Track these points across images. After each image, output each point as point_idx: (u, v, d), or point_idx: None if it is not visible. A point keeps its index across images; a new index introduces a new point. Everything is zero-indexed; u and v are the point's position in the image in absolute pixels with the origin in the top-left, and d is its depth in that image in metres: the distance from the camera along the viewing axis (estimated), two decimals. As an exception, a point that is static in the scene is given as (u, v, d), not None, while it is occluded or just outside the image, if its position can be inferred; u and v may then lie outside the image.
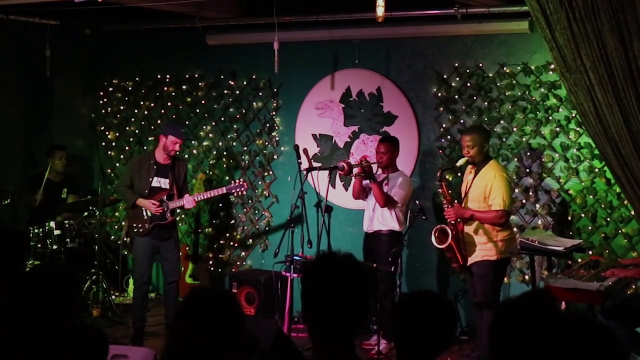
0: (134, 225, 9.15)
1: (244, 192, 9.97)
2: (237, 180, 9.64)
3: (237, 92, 10.73)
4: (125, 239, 10.40)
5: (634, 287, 8.22)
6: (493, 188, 7.92)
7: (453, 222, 7.96)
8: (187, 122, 11.05)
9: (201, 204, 10.40)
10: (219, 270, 10.87)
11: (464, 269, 8.16)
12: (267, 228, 10.65)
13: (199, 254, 10.61)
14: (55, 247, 9.77)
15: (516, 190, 9.02)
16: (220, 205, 10.88)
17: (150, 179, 9.10)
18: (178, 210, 9.41)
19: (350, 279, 3.25)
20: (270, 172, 10.60)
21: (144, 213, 9.07)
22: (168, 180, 9.14)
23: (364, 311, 3.31)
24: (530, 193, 8.99)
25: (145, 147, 11.34)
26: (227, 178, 10.76)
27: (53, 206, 10.18)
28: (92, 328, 3.48)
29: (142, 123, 11.48)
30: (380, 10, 6.67)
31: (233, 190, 9.43)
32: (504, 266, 8.29)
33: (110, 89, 11.73)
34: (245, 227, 10.79)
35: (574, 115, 8.54)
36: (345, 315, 3.23)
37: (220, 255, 10.88)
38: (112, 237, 11.63)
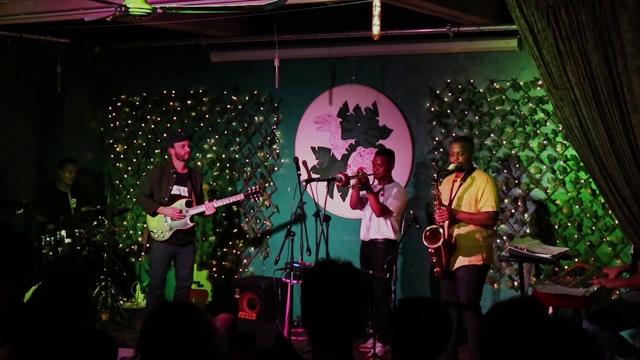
0: (154, 231, 9.18)
1: (260, 198, 9.92)
2: (252, 188, 9.67)
3: (240, 106, 10.75)
4: (146, 245, 10.35)
5: (617, 292, 8.23)
6: (485, 192, 7.94)
7: (442, 223, 7.95)
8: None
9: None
10: (222, 276, 10.87)
11: (446, 274, 8.14)
12: (268, 236, 10.66)
13: (203, 261, 10.61)
14: (67, 250, 9.76)
15: (505, 201, 9.04)
16: (224, 214, 10.89)
17: (170, 187, 9.17)
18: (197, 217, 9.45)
19: (349, 285, 3.26)
20: (271, 183, 10.61)
21: (164, 220, 9.11)
22: (187, 188, 9.22)
23: (362, 316, 3.32)
24: (519, 203, 9.01)
25: (152, 159, 11.36)
26: (230, 189, 10.79)
27: (65, 218, 10.18)
28: (102, 334, 3.48)
29: (149, 136, 11.49)
30: (376, 29, 6.68)
31: (251, 196, 9.46)
32: (486, 271, 8.34)
33: (119, 104, 11.75)
34: (248, 236, 10.79)
35: (560, 129, 8.55)
36: (344, 320, 3.23)
37: (224, 263, 10.88)
38: (121, 245, 11.63)
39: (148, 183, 9.42)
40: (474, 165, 8.40)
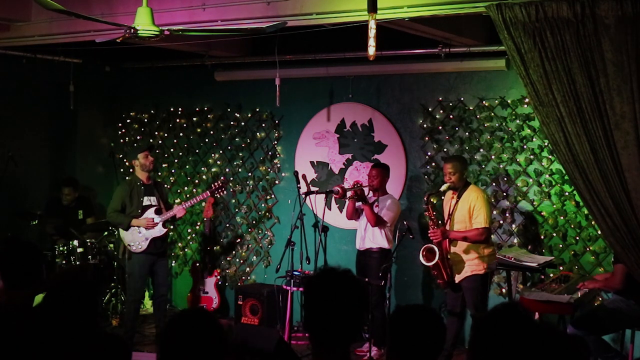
0: (131, 244, 9.00)
1: (224, 192, 9.73)
2: (216, 183, 9.42)
3: (243, 123, 10.75)
4: (127, 259, 9.40)
5: (600, 299, 8.22)
6: (476, 208, 7.89)
7: (437, 242, 7.92)
8: (197, 151, 11.07)
9: (212, 226, 10.47)
10: (226, 284, 10.86)
11: (449, 285, 8.11)
12: (269, 246, 10.64)
13: (209, 270, 10.58)
14: (78, 263, 9.74)
15: (494, 212, 9.02)
16: (227, 225, 10.88)
17: (141, 199, 9.01)
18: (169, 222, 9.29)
19: (349, 291, 3.24)
20: (273, 196, 10.60)
21: (138, 231, 8.97)
22: (155, 197, 9.09)
23: (360, 321, 3.30)
24: (507, 214, 9.00)
25: (159, 173, 11.34)
26: (234, 201, 10.77)
27: (75, 228, 10.14)
28: (118, 338, 3.45)
29: (157, 151, 11.46)
30: (371, 50, 6.67)
31: (216, 192, 9.33)
32: (489, 279, 8.28)
33: (128, 121, 11.74)
34: (250, 245, 10.78)
35: (546, 144, 8.57)
36: (344, 324, 3.22)
37: (227, 271, 10.86)
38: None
39: (118, 199, 9.08)
40: (468, 181, 8.35)
